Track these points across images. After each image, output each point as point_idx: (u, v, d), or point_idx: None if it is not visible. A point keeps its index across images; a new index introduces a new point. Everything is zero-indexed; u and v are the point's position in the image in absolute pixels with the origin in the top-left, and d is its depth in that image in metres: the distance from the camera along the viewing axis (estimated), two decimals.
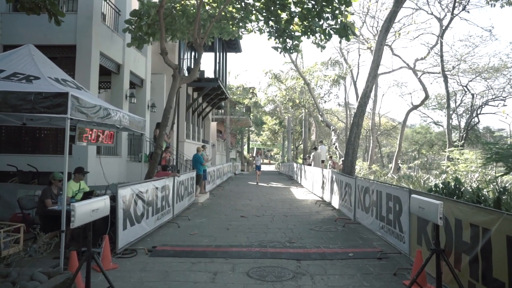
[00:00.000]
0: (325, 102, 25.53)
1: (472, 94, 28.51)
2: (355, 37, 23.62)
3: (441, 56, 21.88)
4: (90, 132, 5.11)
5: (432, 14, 22.22)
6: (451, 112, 33.14)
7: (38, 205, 5.63)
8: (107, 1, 10.97)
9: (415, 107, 24.51)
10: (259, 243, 6.28)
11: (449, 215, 4.10)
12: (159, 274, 4.64)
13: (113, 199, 5.27)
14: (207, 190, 13.28)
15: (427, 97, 22.36)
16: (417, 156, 42.93)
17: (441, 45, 21.79)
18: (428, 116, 39.44)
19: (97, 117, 4.68)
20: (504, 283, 3.08)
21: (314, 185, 13.93)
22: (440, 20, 21.96)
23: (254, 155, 37.88)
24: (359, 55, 25.16)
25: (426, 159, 42.77)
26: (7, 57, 5.09)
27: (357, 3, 25.35)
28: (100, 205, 3.62)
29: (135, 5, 12.32)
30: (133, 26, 9.99)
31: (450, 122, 32.77)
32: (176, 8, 10.31)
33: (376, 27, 22.53)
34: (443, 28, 21.52)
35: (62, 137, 9.54)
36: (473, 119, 27.78)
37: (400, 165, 27.48)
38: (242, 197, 13.13)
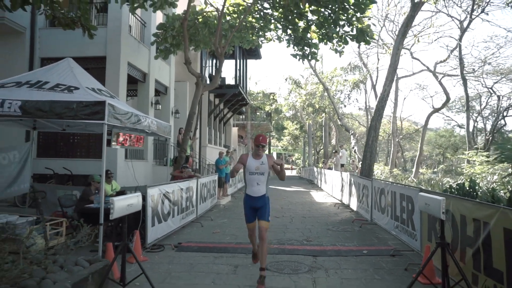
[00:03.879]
0: (344, 106, 25.66)
1: (498, 96, 27.88)
2: (374, 41, 23.75)
3: (460, 59, 21.63)
4: (124, 136, 5.63)
5: (451, 16, 22.10)
6: (476, 115, 32.51)
7: (77, 203, 6.21)
8: (134, 14, 11.65)
9: (436, 110, 24.25)
10: (278, 241, 6.63)
11: (455, 211, 4.34)
12: (185, 266, 5.07)
13: (143, 199, 5.77)
14: (228, 193, 13.71)
15: (448, 100, 22.12)
16: (441, 160, 42.08)
17: (460, 48, 21.56)
18: (452, 119, 38.75)
19: (129, 123, 5.19)
20: (503, 272, 3.32)
21: (334, 188, 14.14)
22: (461, 22, 21.79)
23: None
24: (378, 59, 25.05)
25: (451, 163, 41.89)
26: (50, 70, 5.69)
27: (375, 8, 25.53)
28: (134, 201, 4.08)
29: (159, 17, 13.02)
30: (159, 38, 10.61)
31: (475, 125, 32.15)
32: (198, 19, 10.89)
33: (394, 31, 22.55)
34: (462, 31, 21.32)
35: (93, 142, 10.24)
36: (499, 122, 27.14)
37: (421, 169, 27.20)
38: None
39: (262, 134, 4.44)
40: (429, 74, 25.50)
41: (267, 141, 4.45)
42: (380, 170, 21.62)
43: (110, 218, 3.68)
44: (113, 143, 5.32)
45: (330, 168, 17.83)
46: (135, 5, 9.43)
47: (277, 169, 4.48)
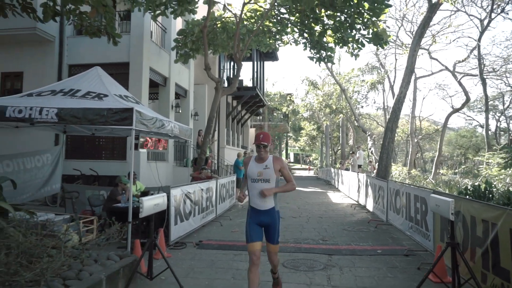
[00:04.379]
0: (361, 107, 25.60)
1: None
2: (391, 41, 23.60)
3: (479, 60, 21.29)
4: (149, 140, 6.00)
5: (470, 15, 21.77)
6: (499, 114, 31.80)
7: (106, 202, 6.62)
8: (156, 21, 12.10)
9: (455, 111, 23.91)
10: (294, 240, 6.87)
11: (465, 213, 4.50)
12: (206, 262, 5.38)
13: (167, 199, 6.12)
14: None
15: (468, 100, 21.79)
16: (463, 161, 41.23)
17: (479, 49, 21.22)
18: (473, 119, 37.95)
19: (154, 128, 5.54)
20: (509, 271, 3.48)
21: (350, 189, 14.25)
22: (481, 21, 21.45)
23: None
24: (396, 59, 24.84)
25: (473, 164, 40.97)
26: (81, 79, 6.12)
27: (393, 8, 25.33)
28: (160, 200, 4.42)
29: (179, 22, 13.44)
30: (180, 44, 11.01)
31: (498, 125, 31.44)
32: (217, 25, 11.24)
33: (412, 31, 22.38)
34: (482, 30, 20.99)
35: (117, 145, 10.72)
36: None
37: (442, 170, 26.80)
38: (279, 200, 13.66)
39: (264, 131, 3.67)
40: (449, 74, 25.07)
41: (270, 139, 3.76)
42: (398, 171, 21.51)
43: (140, 217, 4.02)
44: (140, 147, 5.69)
45: (347, 169, 17.90)
46: (156, 13, 9.89)
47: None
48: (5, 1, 6.94)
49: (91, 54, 10.72)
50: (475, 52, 22.19)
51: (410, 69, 11.33)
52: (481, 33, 21.10)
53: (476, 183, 9.22)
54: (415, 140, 25.82)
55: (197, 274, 4.89)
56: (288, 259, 5.54)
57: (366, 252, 6.04)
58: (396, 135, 33.49)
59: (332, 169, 22.98)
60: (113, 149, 10.84)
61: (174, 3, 9.66)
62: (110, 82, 6.25)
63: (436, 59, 29.27)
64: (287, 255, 5.81)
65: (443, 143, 22.92)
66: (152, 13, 9.84)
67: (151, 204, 4.15)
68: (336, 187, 19.23)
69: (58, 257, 3.67)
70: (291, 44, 12.02)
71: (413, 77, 23.64)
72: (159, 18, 11.82)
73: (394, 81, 26.10)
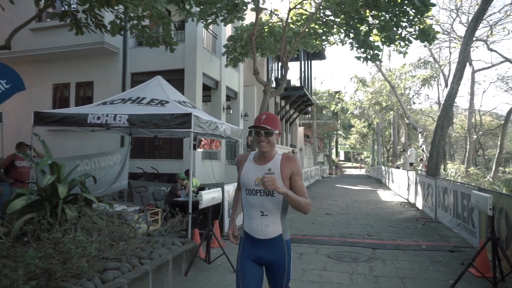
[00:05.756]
0: (413, 103, 24.76)
1: None
2: (445, 33, 22.64)
3: None
4: (205, 141, 6.68)
5: None
6: None
7: (167, 196, 7.42)
8: (208, 29, 12.90)
9: None
10: (340, 234, 7.20)
11: (509, 209, 4.58)
12: None
13: None
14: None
15: None
16: None
17: None
18: None
19: (210, 129, 6.18)
20: None
21: (400, 187, 14.11)
22: None
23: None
24: (450, 53, 23.67)
25: None
26: (145, 87, 6.94)
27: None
28: (216, 194, 5.03)
29: (228, 28, 14.17)
30: (230, 49, 11.69)
31: None
32: (264, 29, 11.76)
33: (468, 23, 21.28)
34: None
35: (175, 145, 11.66)
36: None
37: (508, 168, 25.12)
38: (328, 198, 13.96)
39: (268, 112, 2.71)
40: None
41: (278, 124, 2.36)
42: (454, 169, 20.64)
43: (200, 208, 4.64)
44: (197, 148, 6.36)
45: (398, 167, 17.61)
46: (208, 22, 10.63)
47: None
48: (81, 21, 8.07)
49: (150, 63, 11.76)
50: None
51: (462, 64, 11.01)
52: None
53: None
54: (474, 137, 24.48)
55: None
56: (333, 251, 5.91)
57: (411, 247, 6.21)
58: (454, 131, 31.79)
59: (383, 167, 22.60)
60: (171, 149, 11.79)
61: (224, 12, 10.33)
62: (170, 89, 7.02)
63: (496, 51, 27.52)
64: (332, 247, 6.17)
65: (504, 139, 21.53)
66: (204, 22, 10.59)
67: (209, 197, 4.76)
68: (387, 185, 18.98)
69: (134, 240, 4.39)
70: (337, 44, 12.22)
71: (470, 70, 22.50)
72: (210, 26, 12.60)
73: (448, 76, 24.95)
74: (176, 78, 11.91)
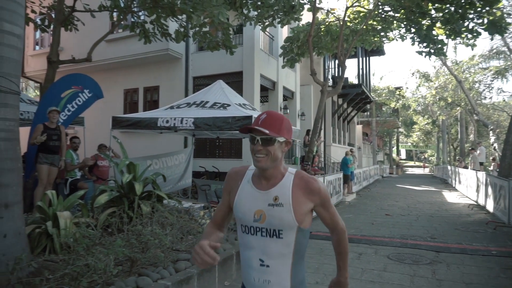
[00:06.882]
0: (484, 98, 22.95)
1: None
2: None
3: None
4: None
5: None
6: None
7: None
8: (265, 32, 13.20)
9: None
10: (401, 236, 7.04)
11: None
12: (315, 250, 6.04)
13: None
14: (353, 191, 14.21)
15: None
16: None
17: None
18: None
19: None
20: None
21: (468, 189, 13.28)
22: None
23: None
24: None
25: None
26: (207, 92, 7.38)
27: None
28: None
29: (284, 29, 14.34)
30: (286, 50, 11.87)
31: None
32: (321, 29, 11.76)
33: None
34: None
35: (234, 146, 12.12)
36: None
37: None
38: (388, 198, 13.57)
39: (272, 111, 1.59)
40: None
41: (284, 126, 1.52)
42: None
43: None
44: None
45: (465, 167, 16.54)
46: (265, 24, 10.91)
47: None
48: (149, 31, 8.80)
49: (210, 66, 12.34)
50: None
51: None
52: None
53: None
54: None
55: (308, 258, 5.56)
56: (393, 252, 5.84)
57: (479, 252, 5.92)
58: None
59: (449, 167, 21.32)
60: (230, 149, 12.28)
61: (280, 13, 10.53)
62: (230, 92, 7.38)
63: None
64: (392, 249, 6.10)
65: None
66: (261, 25, 10.88)
67: None
68: (453, 186, 17.90)
69: (200, 235, 4.76)
70: (396, 40, 11.85)
71: None
72: (267, 28, 12.87)
73: None
74: (235, 80, 12.36)
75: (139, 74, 13.43)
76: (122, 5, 8.19)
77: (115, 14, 9.26)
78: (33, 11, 8.75)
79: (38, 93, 16.43)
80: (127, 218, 4.61)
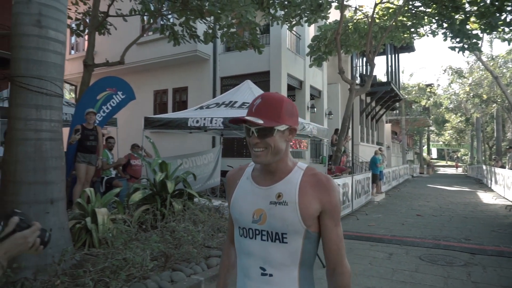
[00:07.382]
0: None
1: None
2: None
3: None
4: (294, 142, 6.96)
5: None
6: None
7: None
8: (292, 31, 13.19)
9: None
10: (433, 237, 6.88)
11: None
12: (345, 249, 5.99)
13: None
14: (382, 191, 13.96)
15: None
16: None
17: None
18: None
19: (297, 130, 6.44)
20: None
21: (506, 189, 12.73)
22: None
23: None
24: None
25: None
26: (236, 92, 7.48)
27: None
28: None
29: (311, 28, 14.25)
30: (314, 49, 11.81)
31: None
32: (348, 26, 11.62)
33: None
34: None
35: None
36: None
37: None
38: (419, 198, 13.24)
39: (268, 93, 1.28)
40: None
41: (284, 110, 1.23)
42: None
43: None
44: None
45: (502, 166, 15.86)
46: (292, 24, 10.91)
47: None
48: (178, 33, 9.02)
49: (237, 67, 12.46)
50: None
51: None
52: None
53: None
54: None
55: None
56: (425, 253, 5.73)
57: None
58: None
59: (484, 166, 20.50)
60: None
61: (307, 12, 10.49)
62: (259, 92, 7.44)
63: None
64: (424, 249, 5.98)
65: None
66: (288, 24, 10.89)
67: None
68: (489, 186, 17.21)
69: None
70: (427, 35, 11.53)
71: None
72: (294, 27, 12.86)
73: None
74: (262, 80, 12.42)
75: (168, 76, 13.76)
76: (152, 8, 8.46)
77: (145, 18, 9.56)
78: (69, 17, 9.16)
79: (73, 95, 17.14)
80: (160, 215, 4.78)
